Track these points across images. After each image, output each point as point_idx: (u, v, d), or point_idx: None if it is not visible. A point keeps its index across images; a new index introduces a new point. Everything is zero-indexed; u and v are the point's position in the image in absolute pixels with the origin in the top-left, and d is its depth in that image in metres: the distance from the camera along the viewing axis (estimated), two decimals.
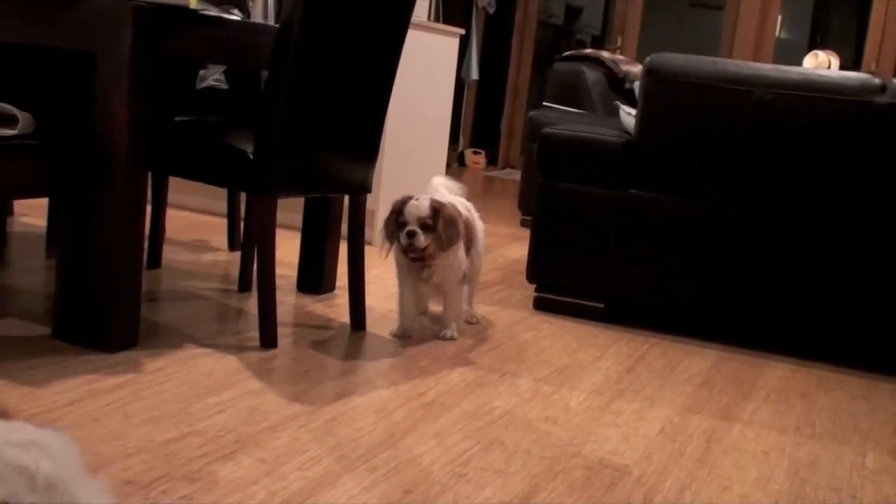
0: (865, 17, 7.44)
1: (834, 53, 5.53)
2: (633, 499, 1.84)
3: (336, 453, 1.89)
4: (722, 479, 1.98)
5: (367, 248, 2.86)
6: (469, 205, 2.91)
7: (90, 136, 2.28)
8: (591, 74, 5.48)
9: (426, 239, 2.59)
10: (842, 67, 5.39)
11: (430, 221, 2.59)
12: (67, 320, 2.37)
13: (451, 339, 2.78)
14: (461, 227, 2.67)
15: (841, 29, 9.14)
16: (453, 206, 2.68)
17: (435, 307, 3.00)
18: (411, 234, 2.58)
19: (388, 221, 2.67)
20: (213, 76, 3.20)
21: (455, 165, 8.24)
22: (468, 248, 2.78)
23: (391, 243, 2.68)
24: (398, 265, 2.75)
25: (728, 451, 2.14)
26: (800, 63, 5.33)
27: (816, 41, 8.93)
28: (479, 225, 2.92)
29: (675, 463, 2.04)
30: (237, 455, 1.82)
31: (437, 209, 2.60)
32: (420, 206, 2.59)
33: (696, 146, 3.02)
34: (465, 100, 8.38)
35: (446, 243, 2.62)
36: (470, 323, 2.99)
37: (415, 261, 2.67)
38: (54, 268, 2.47)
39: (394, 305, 2.90)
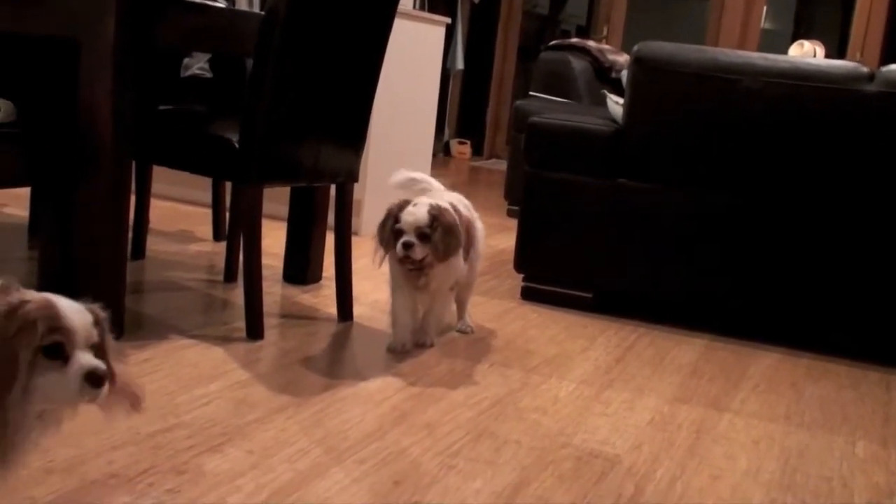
0: (849, 8, 7.45)
1: (819, 43, 5.54)
2: (624, 489, 1.83)
3: (324, 445, 1.87)
4: (713, 469, 1.97)
5: (353, 239, 2.84)
6: (468, 202, 2.68)
7: (73, 125, 2.24)
8: (577, 64, 5.46)
9: (423, 250, 2.38)
10: (827, 57, 5.40)
11: (427, 230, 2.37)
12: None
13: (431, 346, 2.61)
14: (461, 236, 2.45)
15: (825, 19, 9.16)
16: (453, 212, 2.46)
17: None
18: (408, 246, 2.37)
19: (382, 227, 2.45)
20: (197, 65, 3.16)
21: (441, 155, 8.22)
22: (466, 251, 2.55)
23: (386, 251, 2.47)
24: (391, 271, 2.55)
25: (718, 441, 2.13)
26: (785, 53, 5.33)
27: (800, 31, 8.94)
28: (479, 225, 2.68)
29: (666, 453, 2.03)
30: (224, 447, 1.80)
31: (436, 216, 2.38)
32: (417, 214, 2.37)
33: (685, 135, 3.01)
34: (450, 90, 8.35)
35: (443, 254, 2.40)
36: (464, 332, 2.79)
37: (412, 270, 2.48)
38: (37, 259, 2.44)
39: (381, 296, 2.87)
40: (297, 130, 2.50)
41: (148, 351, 2.30)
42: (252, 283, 2.46)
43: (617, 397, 2.35)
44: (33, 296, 1.23)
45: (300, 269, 3.13)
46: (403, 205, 2.41)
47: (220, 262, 3.24)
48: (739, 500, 1.84)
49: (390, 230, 2.42)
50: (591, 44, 5.76)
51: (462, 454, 1.90)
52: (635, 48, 3.07)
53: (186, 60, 3.17)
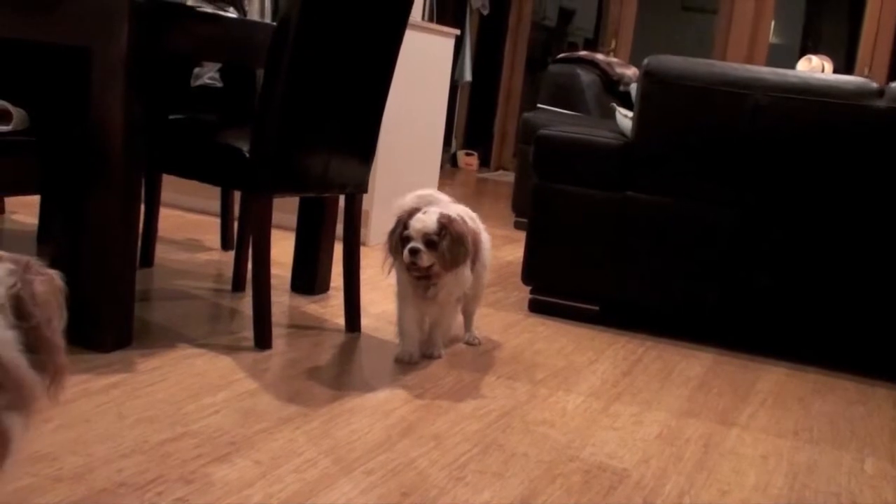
0: (857, 23, 7.45)
1: (827, 58, 5.54)
2: (633, 503, 1.82)
3: (332, 456, 1.86)
4: (721, 484, 1.97)
5: (361, 249, 2.84)
6: (474, 215, 2.64)
7: (85, 133, 2.25)
8: (585, 77, 5.47)
9: (430, 257, 2.37)
10: (835, 72, 5.40)
11: (436, 238, 2.36)
12: None
13: (438, 357, 2.60)
14: (470, 246, 2.43)
15: (832, 34, 9.16)
16: (463, 222, 2.44)
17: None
18: (414, 252, 2.35)
19: (391, 234, 2.45)
20: (207, 74, 3.17)
21: (448, 167, 8.23)
22: (473, 263, 2.53)
23: (395, 258, 2.47)
24: (399, 281, 2.53)
25: (726, 456, 2.13)
26: (793, 67, 5.33)
27: (808, 46, 8.94)
28: (485, 237, 2.66)
29: (674, 467, 2.02)
30: (232, 457, 1.80)
31: (445, 224, 2.37)
32: (426, 221, 2.36)
33: (693, 148, 3.01)
34: (458, 101, 8.36)
35: (450, 263, 2.38)
36: (471, 344, 2.77)
37: (419, 279, 2.46)
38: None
39: (389, 307, 2.88)
40: (307, 141, 2.51)
41: (156, 359, 2.30)
42: (261, 292, 2.47)
43: (625, 411, 2.35)
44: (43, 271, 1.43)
45: (308, 279, 3.13)
46: (413, 212, 2.42)
47: (229, 272, 3.25)
48: None
49: (399, 237, 2.42)
50: (599, 57, 5.77)
51: (470, 466, 1.89)
52: (645, 62, 3.07)
53: (197, 70, 3.18)
